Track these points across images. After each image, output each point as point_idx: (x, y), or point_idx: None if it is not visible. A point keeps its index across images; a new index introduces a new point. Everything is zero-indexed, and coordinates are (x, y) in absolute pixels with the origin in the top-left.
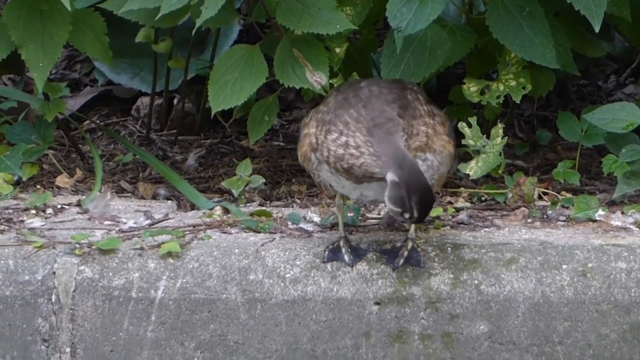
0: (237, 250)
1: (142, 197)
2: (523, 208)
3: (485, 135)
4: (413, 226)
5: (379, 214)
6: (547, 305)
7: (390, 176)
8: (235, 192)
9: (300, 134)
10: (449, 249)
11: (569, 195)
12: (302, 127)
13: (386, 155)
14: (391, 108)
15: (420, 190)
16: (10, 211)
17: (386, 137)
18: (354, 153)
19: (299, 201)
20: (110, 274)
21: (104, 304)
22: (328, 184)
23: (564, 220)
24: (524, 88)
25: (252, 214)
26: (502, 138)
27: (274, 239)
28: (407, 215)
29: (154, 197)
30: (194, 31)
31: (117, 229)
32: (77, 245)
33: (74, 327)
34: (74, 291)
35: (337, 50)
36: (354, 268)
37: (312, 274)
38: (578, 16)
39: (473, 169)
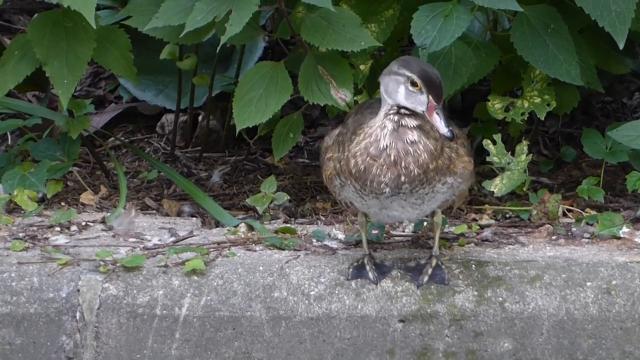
0: (261, 268)
1: (167, 214)
2: (547, 225)
3: (509, 152)
4: (437, 243)
5: (403, 231)
6: (572, 323)
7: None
8: (259, 209)
9: (321, 157)
10: (473, 266)
11: (593, 212)
12: (324, 150)
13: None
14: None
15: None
16: (35, 228)
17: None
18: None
19: (323, 218)
20: (135, 291)
21: (129, 321)
22: (349, 201)
23: (588, 238)
24: (548, 105)
25: (276, 231)
26: (526, 155)
27: (299, 256)
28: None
29: (179, 214)
30: (218, 48)
31: (141, 246)
32: (102, 263)
33: (98, 344)
34: (98, 308)
35: (362, 67)
36: (378, 285)
37: (337, 292)
38: (602, 33)
39: (498, 186)
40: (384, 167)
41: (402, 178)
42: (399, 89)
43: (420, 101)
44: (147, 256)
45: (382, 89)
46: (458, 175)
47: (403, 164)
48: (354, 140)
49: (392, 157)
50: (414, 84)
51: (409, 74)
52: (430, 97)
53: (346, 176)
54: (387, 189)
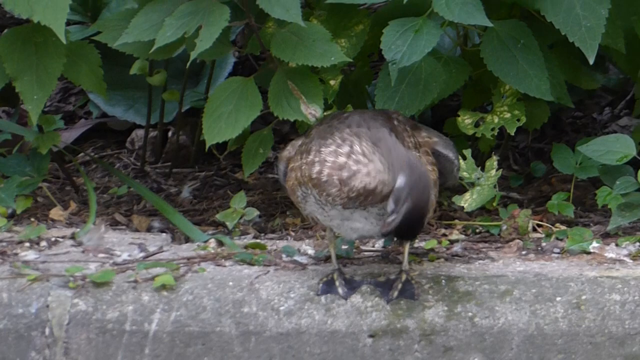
0: (231, 283)
1: (137, 230)
2: (517, 240)
3: (479, 168)
4: (407, 258)
5: (373, 247)
6: (542, 338)
7: (399, 182)
8: (229, 225)
9: (280, 167)
10: (443, 281)
11: (563, 227)
12: (286, 160)
13: (398, 161)
14: (388, 133)
15: (419, 199)
16: (4, 244)
17: (394, 146)
18: (361, 160)
19: (293, 234)
20: (104, 306)
21: (98, 337)
22: (315, 216)
23: (558, 253)
24: (518, 120)
25: (246, 247)
26: (496, 170)
27: (268, 271)
28: (392, 218)
29: (148, 229)
30: (188, 63)
31: (111, 261)
32: (71, 278)
33: None
34: (67, 324)
35: (332, 82)
36: (348, 300)
37: (306, 307)
38: (572, 48)
39: (467, 201)
40: (335, 179)
41: (351, 195)
42: (391, 205)
43: (389, 227)
44: (117, 272)
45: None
46: None
47: (350, 184)
48: (319, 149)
49: (343, 176)
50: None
51: (392, 218)
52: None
53: (306, 182)
54: (339, 201)
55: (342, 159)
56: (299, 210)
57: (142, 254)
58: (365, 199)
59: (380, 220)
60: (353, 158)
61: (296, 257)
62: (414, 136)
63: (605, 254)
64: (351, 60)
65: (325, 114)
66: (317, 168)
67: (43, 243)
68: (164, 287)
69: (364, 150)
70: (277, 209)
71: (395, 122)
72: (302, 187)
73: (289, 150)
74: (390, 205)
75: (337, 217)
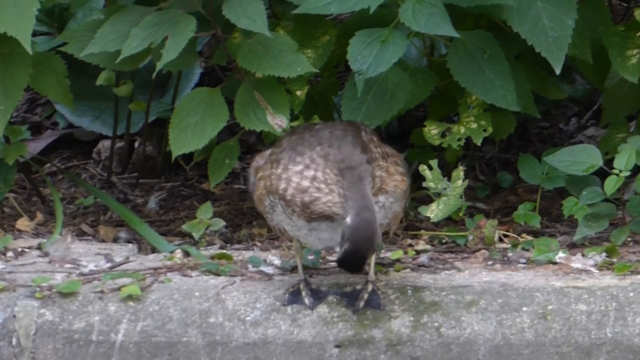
0: (197, 293)
1: (103, 240)
2: (484, 250)
3: (446, 178)
4: (373, 269)
5: None
6: (508, 348)
7: (348, 219)
8: (196, 235)
9: (250, 178)
10: (410, 291)
11: (529, 237)
12: (254, 170)
13: (353, 200)
14: (359, 152)
15: (358, 245)
16: None
17: (357, 182)
18: (322, 188)
19: (259, 244)
20: (71, 317)
21: (65, 347)
22: (282, 227)
23: (524, 263)
24: (485, 131)
25: (212, 257)
26: (463, 181)
27: (235, 282)
28: (337, 249)
29: (115, 240)
30: (154, 74)
31: (77, 272)
32: (38, 289)
33: None
34: (34, 334)
35: (298, 93)
36: (314, 311)
37: (273, 317)
38: (539, 58)
39: (434, 211)
40: (298, 200)
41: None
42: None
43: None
44: (83, 282)
45: None
46: (389, 194)
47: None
48: (287, 165)
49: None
50: None
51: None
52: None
53: (274, 192)
54: (304, 217)
55: (305, 183)
56: (266, 221)
57: (108, 265)
58: (327, 219)
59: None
60: (315, 185)
61: (262, 268)
62: (381, 146)
63: (572, 265)
64: (317, 71)
65: (292, 124)
66: (283, 185)
67: (9, 253)
68: (130, 297)
69: (326, 179)
70: (244, 219)
71: (363, 133)
72: (270, 197)
73: (257, 161)
74: (339, 237)
75: (305, 227)
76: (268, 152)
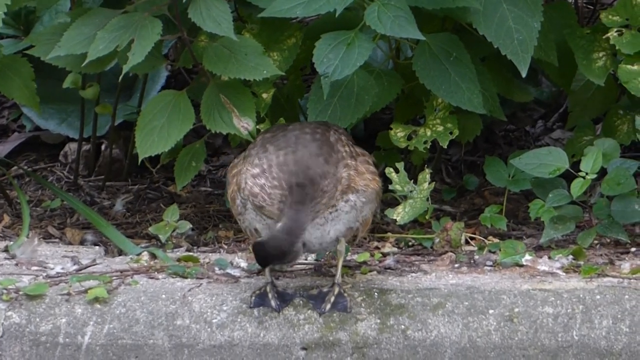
0: (164, 296)
1: (70, 243)
2: (450, 253)
3: (412, 181)
4: (339, 271)
5: (306, 259)
6: (474, 350)
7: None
8: (162, 238)
9: (228, 179)
10: (376, 294)
11: (496, 240)
12: (230, 168)
13: (289, 219)
14: (317, 164)
15: (267, 251)
16: None
17: (299, 204)
18: (266, 199)
19: (226, 246)
20: (38, 319)
21: (32, 349)
22: (253, 228)
23: (490, 265)
24: (451, 133)
25: (179, 260)
26: (429, 183)
27: (201, 284)
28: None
29: (82, 242)
30: (121, 77)
31: (44, 274)
32: (5, 291)
33: None
34: (1, 336)
35: (264, 95)
36: (280, 313)
37: (239, 319)
38: (505, 61)
39: (400, 214)
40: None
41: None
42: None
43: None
44: (50, 284)
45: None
46: (360, 193)
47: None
48: (255, 166)
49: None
50: None
51: None
52: None
53: (240, 190)
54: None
55: (255, 190)
56: (233, 224)
57: (75, 267)
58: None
59: (317, 229)
60: (262, 193)
61: (229, 270)
62: (350, 146)
63: (538, 267)
64: (283, 74)
65: (258, 127)
66: (243, 184)
67: None
68: (97, 299)
69: (270, 193)
70: (210, 222)
71: (332, 132)
72: (240, 194)
73: (234, 161)
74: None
75: (274, 226)
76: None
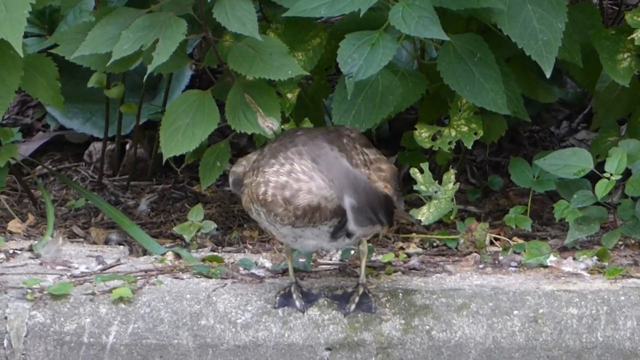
0: (188, 296)
1: (94, 243)
2: (474, 254)
3: (437, 181)
4: (363, 272)
5: (330, 260)
6: (498, 351)
7: (348, 201)
8: (187, 238)
9: (229, 179)
10: (400, 294)
11: (520, 241)
12: (242, 176)
13: (337, 177)
14: (330, 148)
15: (382, 203)
16: None
17: (333, 160)
18: (301, 178)
19: (250, 247)
20: (62, 319)
21: (56, 349)
22: (270, 231)
23: (515, 266)
24: (475, 134)
25: (203, 260)
26: (454, 184)
27: (226, 284)
28: (378, 228)
29: (106, 242)
30: (145, 77)
31: (68, 274)
32: (29, 291)
33: None
34: (25, 336)
35: (289, 95)
36: (305, 313)
37: (264, 320)
38: (529, 62)
39: (425, 214)
40: (280, 199)
41: (297, 213)
42: (364, 229)
43: (372, 231)
44: (75, 284)
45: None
46: None
47: (294, 202)
48: (263, 170)
49: (286, 195)
50: None
51: (379, 228)
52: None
53: (255, 201)
54: (287, 220)
55: (283, 178)
56: (257, 224)
57: (99, 267)
58: (312, 216)
59: (332, 237)
60: (293, 176)
61: (253, 270)
62: (364, 154)
63: (563, 268)
64: (308, 74)
65: (283, 127)
66: (262, 189)
67: (1, 255)
68: (121, 299)
69: (303, 169)
70: (235, 221)
71: (345, 140)
72: (253, 205)
73: (244, 165)
74: (350, 226)
75: (290, 235)
76: (254, 157)
